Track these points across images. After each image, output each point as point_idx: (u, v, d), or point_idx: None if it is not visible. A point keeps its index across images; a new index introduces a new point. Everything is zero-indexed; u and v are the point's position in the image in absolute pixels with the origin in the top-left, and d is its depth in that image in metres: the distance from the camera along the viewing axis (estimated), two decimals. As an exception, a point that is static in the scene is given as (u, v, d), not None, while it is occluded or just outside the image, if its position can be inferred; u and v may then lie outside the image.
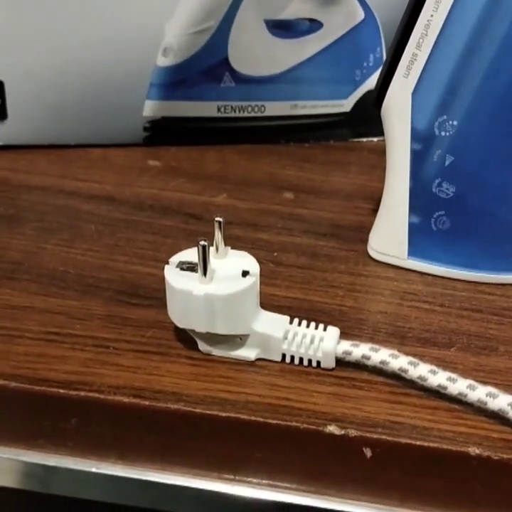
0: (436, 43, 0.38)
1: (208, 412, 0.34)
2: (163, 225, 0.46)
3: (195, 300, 0.35)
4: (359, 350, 0.35)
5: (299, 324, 0.36)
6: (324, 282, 0.42)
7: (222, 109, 0.55)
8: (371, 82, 0.54)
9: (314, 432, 0.33)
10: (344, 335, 0.36)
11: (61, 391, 0.35)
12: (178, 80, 0.53)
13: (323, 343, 0.36)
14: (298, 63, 0.54)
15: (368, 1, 0.54)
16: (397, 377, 0.35)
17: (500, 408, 0.33)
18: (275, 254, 0.44)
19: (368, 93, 0.55)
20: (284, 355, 0.36)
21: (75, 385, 0.35)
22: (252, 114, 0.55)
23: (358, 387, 0.35)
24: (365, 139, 0.57)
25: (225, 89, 0.54)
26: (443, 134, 0.39)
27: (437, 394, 0.34)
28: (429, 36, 0.38)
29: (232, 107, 0.55)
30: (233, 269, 0.36)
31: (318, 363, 0.36)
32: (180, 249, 0.37)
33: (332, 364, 0.36)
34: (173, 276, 0.35)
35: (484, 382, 0.34)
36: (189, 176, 0.52)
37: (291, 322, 0.37)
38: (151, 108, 0.54)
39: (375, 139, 0.56)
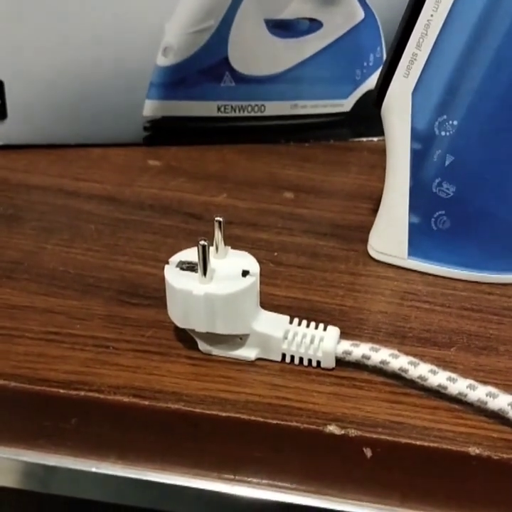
0: (436, 42, 0.38)
1: (208, 411, 0.34)
2: (163, 225, 0.46)
3: (195, 300, 0.35)
4: (359, 350, 0.35)
5: (299, 324, 0.36)
6: (324, 282, 0.42)
7: (222, 109, 0.55)
8: (371, 82, 0.54)
9: (314, 431, 0.33)
10: (344, 335, 0.36)
11: (61, 391, 0.35)
12: (178, 80, 0.53)
13: (323, 342, 0.36)
14: (298, 63, 0.54)
15: (368, 0, 0.54)
16: (398, 377, 0.35)
17: (501, 408, 0.33)
18: (275, 253, 0.44)
19: (368, 93, 0.55)
20: (284, 355, 0.36)
21: (75, 384, 0.35)
22: (252, 114, 0.55)
23: (358, 387, 0.35)
24: (365, 139, 0.57)
25: (225, 88, 0.54)
26: (443, 133, 0.39)
27: (437, 394, 0.34)
28: (429, 36, 0.38)
29: (232, 107, 0.55)
30: (233, 269, 0.36)
31: (319, 362, 0.36)
32: (180, 249, 0.37)
33: (332, 364, 0.36)
34: (173, 276, 0.35)
35: (484, 382, 0.34)
36: (189, 176, 0.52)
37: (291, 322, 0.37)
38: (151, 108, 0.54)
39: (375, 139, 0.56)
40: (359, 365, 0.36)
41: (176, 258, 0.36)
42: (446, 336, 0.38)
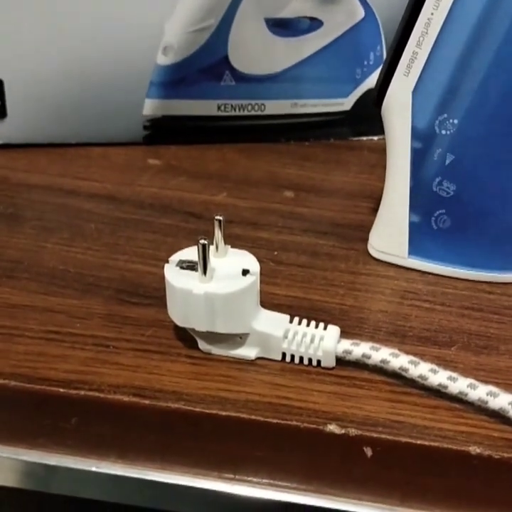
0: (436, 41, 0.38)
1: (208, 411, 0.34)
2: (163, 224, 0.46)
3: (195, 299, 0.34)
4: (359, 349, 0.35)
5: (299, 323, 0.36)
6: (324, 281, 0.42)
7: (223, 108, 0.55)
8: (371, 81, 0.54)
9: (314, 431, 0.33)
10: (344, 334, 0.36)
11: (61, 390, 0.35)
12: (178, 79, 0.53)
13: (323, 342, 0.36)
14: (298, 62, 0.54)
15: (368, -1, 0.54)
16: (398, 376, 0.35)
17: (501, 407, 0.33)
18: (275, 253, 0.44)
19: (369, 92, 0.55)
20: (284, 354, 0.36)
21: (75, 384, 0.35)
22: (252, 113, 0.55)
23: (359, 386, 0.35)
24: (365, 138, 0.57)
25: (225, 87, 0.54)
26: (443, 132, 0.39)
27: (438, 393, 0.34)
28: (429, 35, 0.38)
29: (232, 106, 0.55)
30: (233, 268, 0.36)
31: (319, 362, 0.36)
32: (180, 248, 0.37)
33: (332, 363, 0.36)
34: (173, 275, 0.35)
35: (485, 381, 0.34)
36: (189, 175, 0.52)
37: (291, 321, 0.36)
38: (151, 107, 0.54)
39: (376, 138, 0.56)
40: (359, 365, 0.36)
41: (175, 257, 0.36)
42: (447, 335, 0.38)
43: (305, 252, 0.44)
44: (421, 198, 0.41)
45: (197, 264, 0.35)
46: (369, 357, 0.35)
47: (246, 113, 0.55)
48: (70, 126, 0.54)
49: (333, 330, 0.36)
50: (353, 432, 0.33)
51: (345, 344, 0.36)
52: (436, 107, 0.39)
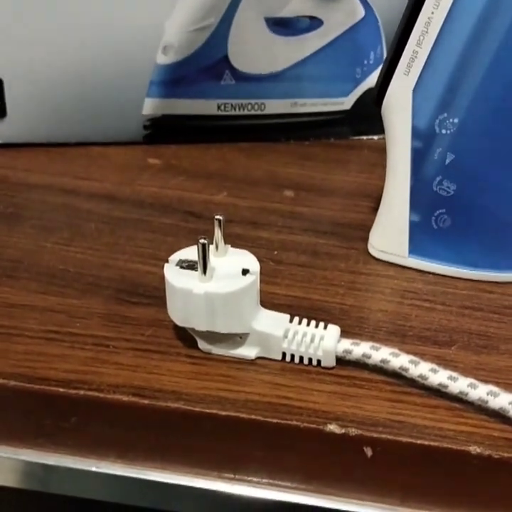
0: (436, 40, 0.38)
1: (208, 410, 0.34)
2: (163, 223, 0.46)
3: (195, 298, 0.34)
4: (359, 348, 0.35)
5: (300, 323, 0.36)
6: (324, 280, 0.42)
7: (223, 107, 0.55)
8: (372, 80, 0.54)
9: (314, 430, 0.33)
10: (344, 333, 0.36)
11: (61, 390, 0.35)
12: (178, 78, 0.53)
13: (323, 341, 0.36)
14: (298, 61, 0.54)
15: (368, -2, 0.54)
16: (398, 376, 0.35)
17: (502, 407, 0.33)
18: (275, 252, 0.44)
19: (369, 91, 0.55)
20: (284, 354, 0.36)
21: (75, 383, 0.35)
22: (252, 112, 0.55)
23: (359, 386, 0.35)
24: (365, 137, 0.56)
25: (225, 87, 0.54)
26: (444, 131, 0.39)
27: (438, 393, 0.34)
28: (429, 34, 0.38)
29: (232, 105, 0.55)
30: (233, 268, 0.36)
31: (319, 361, 0.36)
32: (180, 248, 0.37)
33: (332, 363, 0.36)
34: (173, 275, 0.35)
35: (485, 381, 0.34)
36: (189, 174, 0.52)
37: (291, 320, 0.36)
38: (151, 106, 0.54)
39: (376, 137, 0.56)
40: (359, 364, 0.36)
41: (175, 257, 0.36)
42: (447, 335, 0.38)
43: (305, 251, 0.44)
44: (421, 198, 0.41)
45: (197, 263, 0.35)
46: (369, 356, 0.35)
47: (246, 112, 0.55)
48: (69, 126, 0.54)
49: (333, 329, 0.36)
50: (353, 431, 0.33)
51: (346, 344, 0.35)
52: (436, 106, 0.39)
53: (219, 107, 0.55)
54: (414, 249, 0.42)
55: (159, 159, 0.53)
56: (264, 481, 0.35)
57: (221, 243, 0.36)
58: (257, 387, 0.35)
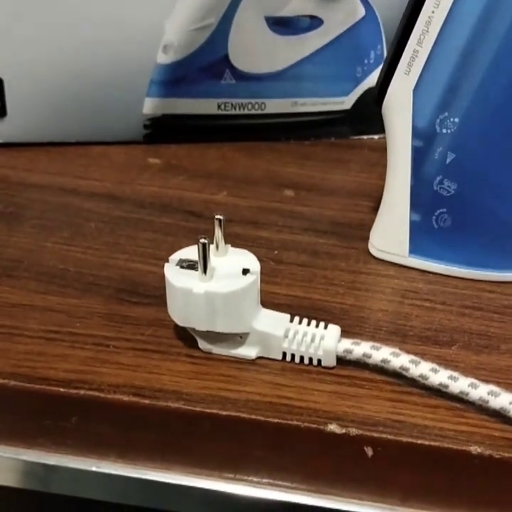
0: (437, 39, 0.38)
1: (208, 410, 0.34)
2: (164, 223, 0.46)
3: (196, 298, 0.34)
4: (360, 348, 0.35)
5: (300, 322, 0.36)
6: (325, 280, 0.42)
7: (223, 107, 0.54)
8: (372, 80, 0.54)
9: (315, 430, 0.33)
10: (345, 333, 0.36)
11: (61, 390, 0.35)
12: (178, 78, 0.53)
13: (323, 341, 0.36)
14: (298, 60, 0.54)
15: (368, -3, 0.54)
16: (398, 376, 0.35)
17: (502, 407, 0.33)
18: (276, 252, 0.44)
19: (369, 90, 0.55)
20: (284, 354, 0.36)
21: (75, 383, 0.35)
22: (253, 112, 0.55)
23: (359, 386, 0.35)
24: (365, 137, 0.56)
25: (225, 86, 0.54)
26: (444, 131, 0.39)
27: (438, 392, 0.34)
28: (430, 33, 0.38)
29: (232, 105, 0.55)
30: (233, 267, 0.36)
31: (319, 361, 0.36)
32: (181, 247, 0.37)
33: (333, 362, 0.36)
34: (173, 274, 0.35)
35: (486, 381, 0.34)
36: (189, 174, 0.52)
37: (291, 320, 0.36)
38: (151, 105, 0.54)
39: (376, 137, 0.56)
40: (360, 364, 0.36)
41: (176, 256, 0.36)
42: (447, 335, 0.38)
43: (305, 251, 0.44)
44: (421, 197, 0.41)
45: (197, 263, 0.35)
46: (370, 356, 0.35)
47: (246, 112, 0.55)
48: (70, 125, 0.54)
49: (334, 329, 0.36)
50: (353, 431, 0.33)
51: (346, 343, 0.35)
52: (436, 105, 0.39)
53: (219, 107, 0.54)
54: (415, 248, 0.42)
55: (159, 159, 0.53)
56: (265, 480, 0.35)
57: (221, 243, 0.36)
58: (257, 387, 0.35)
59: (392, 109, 0.40)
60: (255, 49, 0.54)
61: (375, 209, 0.44)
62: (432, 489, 0.34)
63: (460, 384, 0.33)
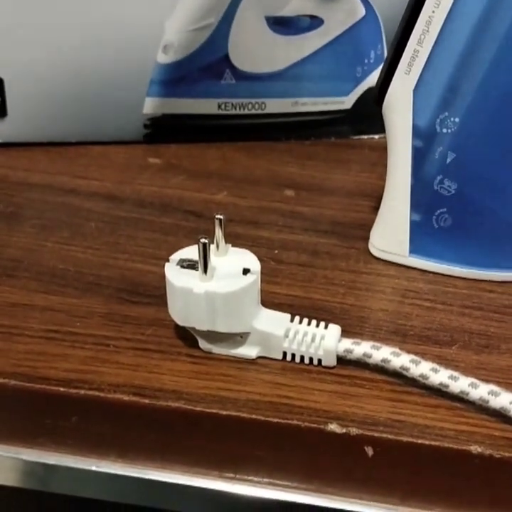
0: (437, 39, 0.38)
1: (209, 410, 0.34)
2: (164, 223, 0.46)
3: (196, 298, 0.34)
4: (360, 348, 0.35)
5: (300, 322, 0.36)
6: (325, 280, 0.42)
7: (223, 107, 0.54)
8: (372, 79, 0.54)
9: (315, 430, 0.33)
10: (345, 333, 0.36)
11: (61, 389, 0.35)
12: (178, 77, 0.53)
13: (324, 341, 0.36)
14: (299, 60, 0.54)
15: (368, -3, 0.54)
16: (399, 376, 0.35)
17: (502, 406, 0.33)
18: (276, 251, 0.44)
19: (369, 90, 0.55)
20: (285, 353, 0.36)
21: (75, 383, 0.35)
22: (253, 112, 0.55)
23: (359, 386, 0.35)
24: (366, 136, 0.56)
25: (225, 86, 0.54)
26: (445, 131, 0.39)
27: (439, 392, 0.34)
28: (430, 33, 0.38)
29: (232, 104, 0.55)
30: (234, 267, 0.36)
31: (320, 361, 0.36)
32: (181, 247, 0.37)
33: (333, 362, 0.36)
34: (174, 274, 0.35)
35: (486, 381, 0.34)
36: (189, 174, 0.52)
37: (292, 320, 0.36)
38: (151, 105, 0.54)
39: (377, 136, 0.56)
40: (360, 364, 0.36)
41: (176, 256, 0.36)
42: (448, 334, 0.38)
43: (306, 250, 0.44)
44: (422, 197, 0.41)
45: (197, 263, 0.35)
46: (370, 356, 0.35)
47: (246, 112, 0.55)
48: (70, 125, 0.54)
49: (334, 329, 0.36)
50: (353, 431, 0.33)
51: (346, 343, 0.35)
52: (437, 105, 0.39)
53: (219, 106, 0.54)
54: (415, 248, 0.42)
55: (159, 158, 0.53)
56: (265, 480, 0.35)
57: (222, 242, 0.36)
58: (257, 387, 0.35)
59: (392, 109, 0.40)
60: (255, 49, 0.54)
61: (376, 209, 0.44)
62: (431, 489, 0.34)
63: (460, 384, 0.33)
